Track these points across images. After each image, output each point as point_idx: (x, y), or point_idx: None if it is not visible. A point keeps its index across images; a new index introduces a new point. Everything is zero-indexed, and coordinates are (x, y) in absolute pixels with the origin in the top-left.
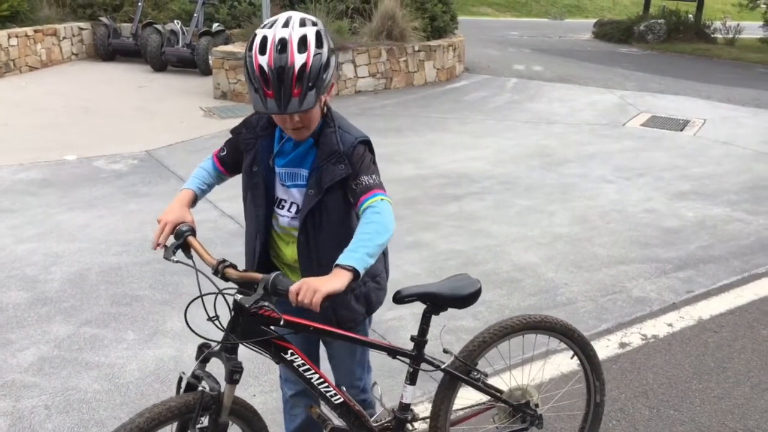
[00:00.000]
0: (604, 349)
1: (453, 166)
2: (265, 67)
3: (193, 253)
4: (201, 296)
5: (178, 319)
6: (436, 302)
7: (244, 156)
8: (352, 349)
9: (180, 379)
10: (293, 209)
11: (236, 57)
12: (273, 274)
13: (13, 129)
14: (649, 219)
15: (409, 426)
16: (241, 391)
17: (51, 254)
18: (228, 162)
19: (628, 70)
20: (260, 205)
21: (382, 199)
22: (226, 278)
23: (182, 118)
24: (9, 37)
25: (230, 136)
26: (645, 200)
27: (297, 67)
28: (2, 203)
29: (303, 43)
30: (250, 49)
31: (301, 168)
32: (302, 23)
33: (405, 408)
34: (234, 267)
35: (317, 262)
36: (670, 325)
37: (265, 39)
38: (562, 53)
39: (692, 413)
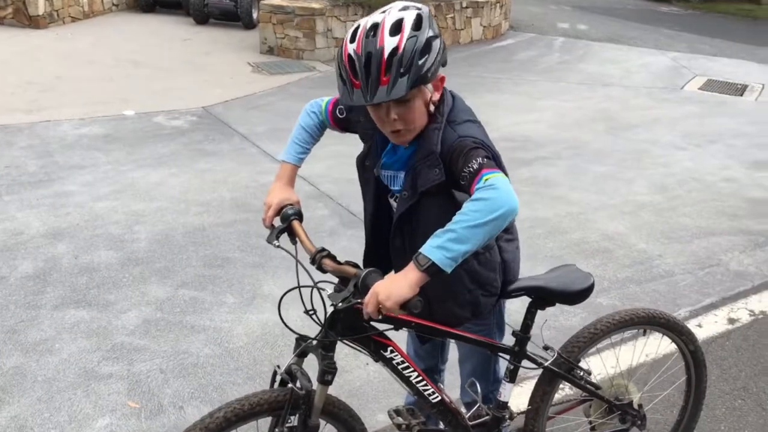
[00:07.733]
0: (713, 324)
1: (516, 129)
2: (353, 54)
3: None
4: (297, 288)
5: (274, 284)
6: (543, 296)
7: (363, 142)
8: (483, 358)
9: (274, 373)
10: None
11: (284, 11)
12: (365, 271)
13: (67, 82)
14: (730, 189)
15: (504, 423)
16: (352, 360)
17: (131, 213)
18: (344, 123)
19: (674, 30)
20: (369, 201)
21: (489, 177)
22: (322, 269)
23: (231, 73)
24: None
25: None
26: (722, 168)
27: (387, 50)
28: (72, 159)
29: (397, 26)
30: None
31: (401, 171)
32: (404, 8)
33: (503, 406)
34: (332, 258)
35: None
36: None
37: (358, 26)
38: (603, 11)
39: None
